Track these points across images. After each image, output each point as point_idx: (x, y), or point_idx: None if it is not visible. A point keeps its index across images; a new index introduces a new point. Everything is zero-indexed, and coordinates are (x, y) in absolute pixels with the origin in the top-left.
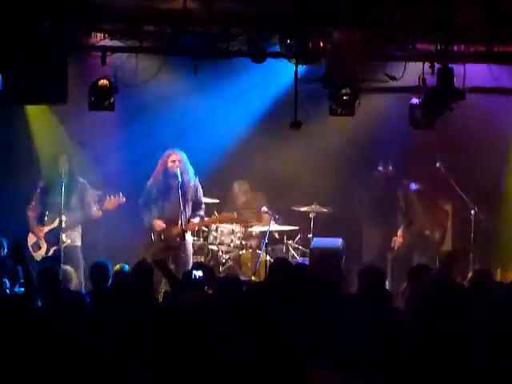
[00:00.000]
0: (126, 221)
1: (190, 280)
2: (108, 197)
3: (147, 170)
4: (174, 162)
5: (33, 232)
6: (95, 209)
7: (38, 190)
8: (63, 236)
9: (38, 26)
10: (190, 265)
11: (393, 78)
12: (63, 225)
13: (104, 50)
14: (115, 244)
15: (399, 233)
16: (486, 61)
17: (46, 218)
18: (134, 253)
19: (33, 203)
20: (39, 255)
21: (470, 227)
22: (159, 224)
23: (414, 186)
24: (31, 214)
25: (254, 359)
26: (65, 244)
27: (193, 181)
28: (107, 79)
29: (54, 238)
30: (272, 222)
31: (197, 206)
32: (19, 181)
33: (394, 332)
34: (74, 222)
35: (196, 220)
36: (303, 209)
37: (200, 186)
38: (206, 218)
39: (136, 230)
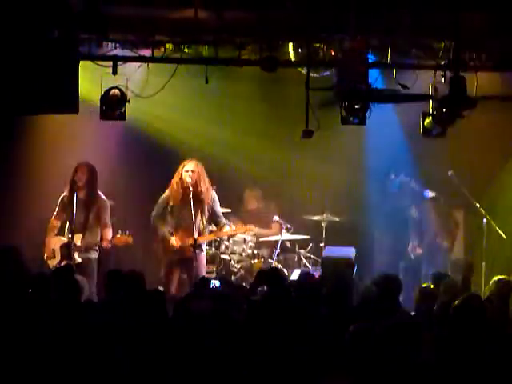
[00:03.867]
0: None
1: (206, 288)
2: (119, 233)
3: (161, 181)
4: (187, 171)
5: (47, 242)
6: (109, 234)
7: (61, 198)
8: (76, 255)
9: (48, 34)
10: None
11: (405, 87)
12: (78, 243)
13: (115, 59)
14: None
15: (414, 243)
16: (498, 69)
17: (63, 230)
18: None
19: (56, 211)
20: (53, 263)
21: (482, 235)
22: (175, 242)
23: (428, 194)
24: (54, 223)
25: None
26: (77, 262)
27: (209, 191)
28: (118, 89)
29: (67, 253)
30: (284, 232)
31: (215, 216)
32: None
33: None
34: (93, 243)
35: (226, 229)
36: (315, 218)
37: (216, 197)
38: (224, 231)
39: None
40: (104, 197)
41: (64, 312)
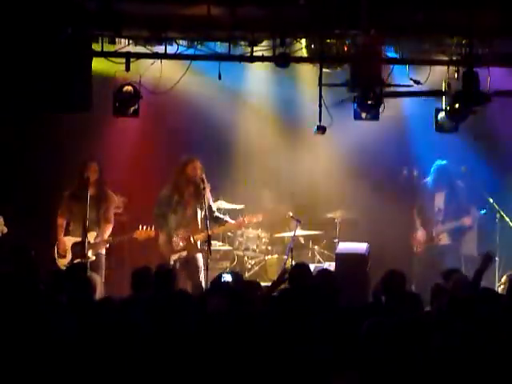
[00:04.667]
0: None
1: (218, 284)
2: (140, 228)
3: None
4: (195, 168)
5: (59, 241)
6: (109, 231)
7: (66, 195)
8: (89, 252)
9: (61, 31)
10: (202, 274)
11: (417, 82)
12: (92, 240)
13: (128, 56)
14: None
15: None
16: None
17: (71, 228)
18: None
19: (60, 210)
20: (63, 262)
21: (496, 231)
22: (180, 236)
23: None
24: (60, 221)
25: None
26: (90, 260)
27: (208, 186)
28: (132, 85)
29: (80, 251)
30: (297, 227)
31: (213, 212)
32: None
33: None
34: (106, 240)
35: (233, 221)
36: (329, 215)
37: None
38: (231, 222)
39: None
40: (111, 193)
41: (79, 310)
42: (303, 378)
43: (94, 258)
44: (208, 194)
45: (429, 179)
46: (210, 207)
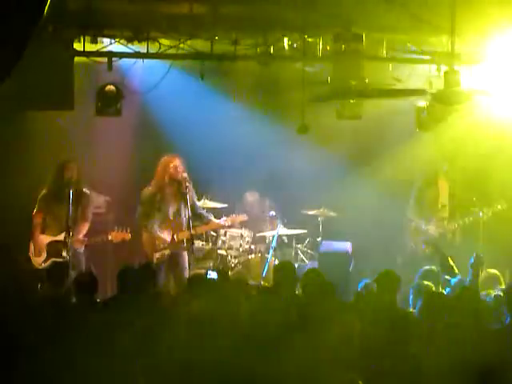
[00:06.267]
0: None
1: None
2: (116, 229)
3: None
4: (176, 167)
5: (35, 239)
6: (85, 229)
7: (41, 196)
8: (64, 252)
9: (42, 30)
10: (186, 272)
11: (399, 81)
12: (68, 240)
13: (110, 55)
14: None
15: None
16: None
17: (47, 227)
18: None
19: (36, 209)
20: (38, 261)
21: (479, 228)
22: (165, 236)
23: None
24: (36, 221)
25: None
26: (66, 258)
27: (190, 185)
28: (114, 85)
29: (55, 250)
30: (280, 226)
31: (197, 210)
32: (22, 184)
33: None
34: (82, 240)
35: (217, 220)
36: (311, 212)
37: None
38: (215, 221)
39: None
40: (89, 192)
41: (59, 308)
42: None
43: (67, 256)
44: (191, 193)
45: None
46: (193, 206)
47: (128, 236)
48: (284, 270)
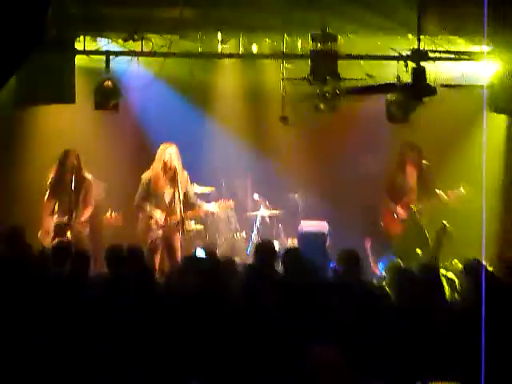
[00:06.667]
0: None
1: (191, 264)
2: (109, 213)
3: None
4: (170, 154)
5: (44, 222)
6: (88, 212)
7: (49, 182)
8: (68, 233)
9: (45, 33)
10: (179, 253)
11: (371, 77)
12: (72, 222)
13: (108, 54)
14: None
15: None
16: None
17: (55, 211)
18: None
19: (47, 194)
20: (47, 241)
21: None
22: (159, 216)
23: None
24: (47, 204)
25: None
26: (69, 239)
27: (185, 173)
28: (111, 81)
29: (61, 232)
30: (263, 208)
31: (191, 195)
32: (30, 171)
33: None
34: (84, 221)
35: (208, 206)
36: (292, 196)
37: (188, 177)
38: (205, 207)
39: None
40: (90, 177)
41: (64, 285)
42: (279, 348)
43: (73, 237)
44: (184, 179)
45: None
46: (186, 193)
47: (120, 221)
48: (264, 248)
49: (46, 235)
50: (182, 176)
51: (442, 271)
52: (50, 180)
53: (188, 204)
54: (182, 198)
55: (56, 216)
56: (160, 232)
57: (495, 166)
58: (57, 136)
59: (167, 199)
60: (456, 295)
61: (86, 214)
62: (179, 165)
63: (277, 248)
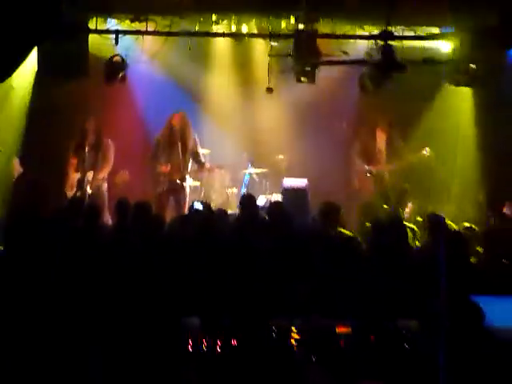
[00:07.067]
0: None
1: (190, 214)
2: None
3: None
4: (177, 120)
5: (68, 177)
6: (106, 169)
7: (72, 143)
8: (88, 188)
9: (61, 16)
10: (187, 203)
11: (346, 53)
12: (90, 178)
13: (117, 32)
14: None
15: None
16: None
17: (78, 167)
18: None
19: (71, 153)
20: (71, 193)
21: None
22: (165, 168)
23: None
24: (72, 161)
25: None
26: (89, 193)
27: (192, 135)
28: (120, 56)
29: (82, 186)
30: (251, 166)
31: (197, 157)
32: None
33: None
34: (102, 179)
35: (205, 166)
36: (277, 156)
37: (198, 140)
38: (207, 166)
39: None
40: (109, 139)
41: (80, 234)
42: (262, 290)
43: (90, 191)
44: (192, 142)
45: None
46: (195, 153)
47: (127, 177)
48: (248, 199)
49: (70, 189)
50: (190, 138)
51: (406, 223)
52: (73, 142)
53: (195, 163)
54: (190, 158)
55: (79, 173)
56: (166, 185)
57: (456, 132)
58: (78, 105)
59: (173, 158)
60: (417, 242)
61: (105, 170)
62: (187, 129)
63: (262, 202)
